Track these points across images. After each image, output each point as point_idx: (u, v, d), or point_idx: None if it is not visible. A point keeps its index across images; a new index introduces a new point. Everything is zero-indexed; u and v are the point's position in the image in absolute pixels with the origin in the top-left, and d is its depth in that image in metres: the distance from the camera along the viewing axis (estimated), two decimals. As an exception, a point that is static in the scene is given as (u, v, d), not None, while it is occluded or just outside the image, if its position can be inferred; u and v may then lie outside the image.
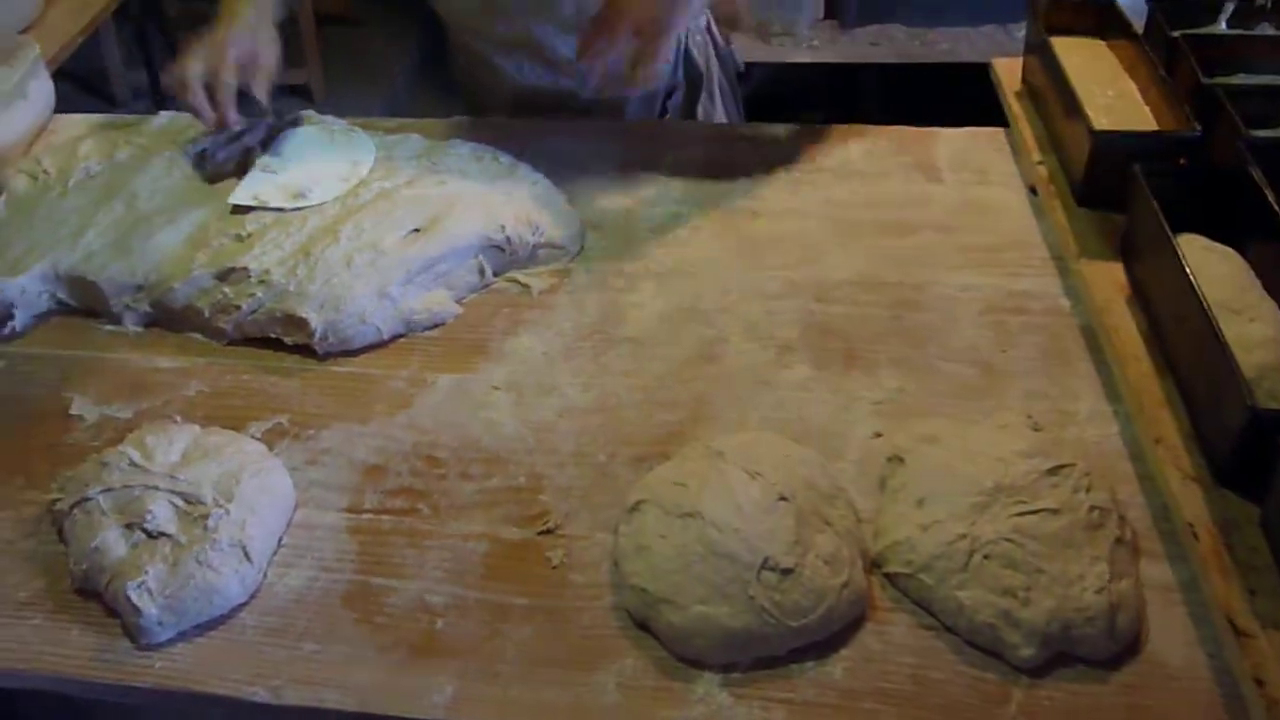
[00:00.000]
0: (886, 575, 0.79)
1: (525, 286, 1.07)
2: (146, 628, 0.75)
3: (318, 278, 1.00)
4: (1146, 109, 1.11)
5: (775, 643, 0.74)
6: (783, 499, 0.77)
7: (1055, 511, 0.77)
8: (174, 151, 1.16)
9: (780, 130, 1.32)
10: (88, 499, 0.80)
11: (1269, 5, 1.24)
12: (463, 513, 0.86)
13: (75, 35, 1.82)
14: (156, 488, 0.80)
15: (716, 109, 1.42)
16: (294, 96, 3.13)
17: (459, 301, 1.06)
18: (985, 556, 0.75)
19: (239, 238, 1.05)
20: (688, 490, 0.78)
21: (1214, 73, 1.12)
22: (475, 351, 1.00)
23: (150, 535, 0.78)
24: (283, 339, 1.00)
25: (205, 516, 0.79)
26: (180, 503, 0.80)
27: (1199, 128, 1.02)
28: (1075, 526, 0.76)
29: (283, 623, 0.78)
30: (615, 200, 1.18)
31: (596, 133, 1.27)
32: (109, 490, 0.80)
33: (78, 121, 1.31)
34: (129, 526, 0.78)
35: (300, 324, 0.99)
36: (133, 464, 0.82)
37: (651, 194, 1.18)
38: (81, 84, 3.12)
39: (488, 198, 1.09)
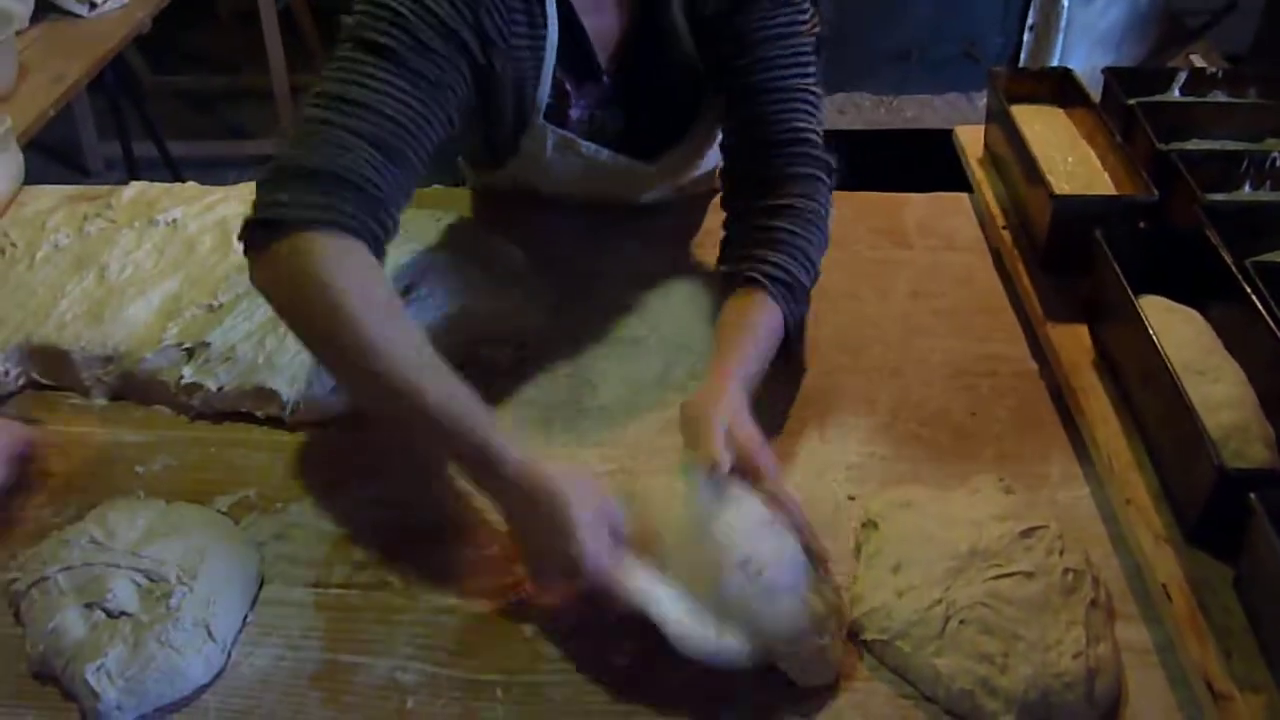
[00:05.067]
0: (863, 643, 0.78)
1: (497, 356, 1.07)
2: (105, 712, 0.73)
3: (289, 349, 0.99)
4: (1105, 175, 1.14)
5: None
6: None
7: (1030, 575, 0.77)
8: (144, 222, 1.16)
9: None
10: (46, 578, 0.78)
11: (1219, 74, 1.28)
12: (434, 586, 0.84)
13: (48, 108, 1.82)
14: (118, 565, 0.78)
15: None
16: (269, 166, 3.15)
17: (431, 370, 1.05)
18: (961, 622, 0.75)
19: (210, 308, 1.04)
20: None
21: (1169, 139, 1.16)
22: (447, 421, 1.00)
23: (110, 615, 0.76)
24: (253, 412, 0.99)
25: (168, 595, 0.77)
26: (142, 581, 0.78)
27: (1156, 192, 1.04)
28: (1050, 590, 0.76)
29: (247, 704, 0.76)
30: (587, 267, 1.18)
31: (566, 202, 1.29)
32: (68, 569, 0.78)
33: (47, 193, 1.31)
34: (89, 606, 0.76)
35: (271, 397, 0.98)
36: (93, 541, 0.80)
37: (622, 261, 1.19)
38: (54, 155, 3.13)
39: (458, 266, 1.09)
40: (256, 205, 0.84)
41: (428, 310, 1.05)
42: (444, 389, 0.78)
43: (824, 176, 1.03)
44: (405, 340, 0.80)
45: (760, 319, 0.95)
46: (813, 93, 1.04)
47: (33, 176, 1.36)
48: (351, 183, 0.83)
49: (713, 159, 1.21)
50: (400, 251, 1.10)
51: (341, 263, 0.80)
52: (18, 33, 1.91)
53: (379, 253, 0.85)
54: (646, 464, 0.94)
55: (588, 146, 1.11)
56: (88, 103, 2.99)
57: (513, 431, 0.81)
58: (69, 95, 1.92)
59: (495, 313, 1.08)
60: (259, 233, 0.82)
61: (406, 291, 1.05)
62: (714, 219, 1.24)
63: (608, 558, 0.76)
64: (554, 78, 1.04)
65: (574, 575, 0.75)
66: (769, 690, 0.76)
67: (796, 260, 0.98)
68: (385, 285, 0.84)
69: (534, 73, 1.03)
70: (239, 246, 0.85)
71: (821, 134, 1.05)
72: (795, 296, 0.97)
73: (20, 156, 1.35)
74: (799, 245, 0.99)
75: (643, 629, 0.77)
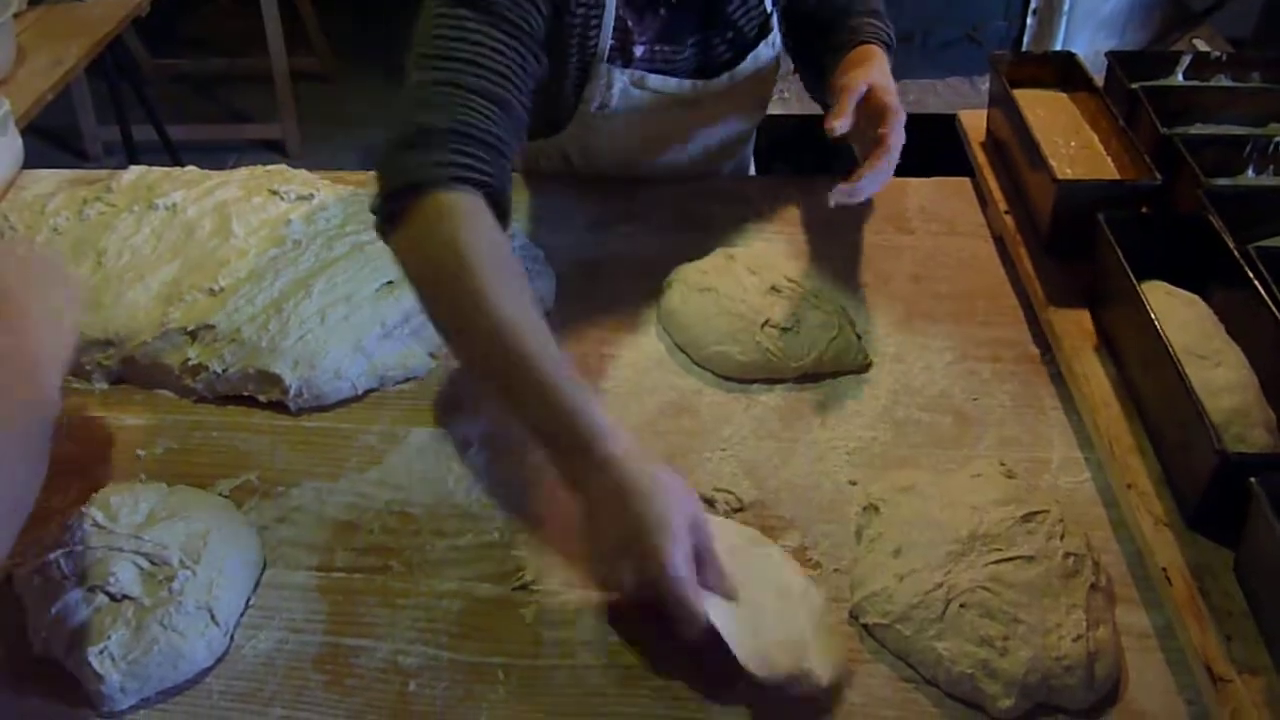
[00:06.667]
0: (865, 626, 0.79)
1: (499, 339, 1.07)
2: (108, 695, 0.73)
3: (291, 333, 0.99)
4: (1108, 159, 1.14)
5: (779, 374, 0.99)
6: (774, 289, 1.02)
7: (1030, 559, 0.77)
8: (143, 207, 1.15)
9: (752, 183, 1.34)
10: (49, 562, 0.78)
11: (1223, 58, 1.28)
12: (436, 570, 0.84)
13: (46, 92, 1.81)
14: (120, 549, 0.78)
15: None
16: (269, 151, 3.15)
17: (432, 355, 1.05)
18: (962, 605, 0.75)
19: (212, 292, 1.04)
20: (706, 275, 1.05)
21: (1172, 123, 1.15)
22: (449, 406, 1.00)
23: (113, 598, 0.76)
24: (256, 396, 0.99)
25: (171, 578, 0.77)
26: (145, 564, 0.78)
27: (1160, 177, 1.04)
28: (1051, 574, 0.76)
29: (250, 687, 0.76)
30: (589, 254, 1.18)
31: (571, 188, 1.28)
32: (71, 552, 0.78)
33: (47, 177, 1.31)
34: (91, 590, 0.76)
35: (274, 381, 0.98)
36: (96, 525, 0.80)
37: (625, 248, 1.19)
38: (53, 139, 3.12)
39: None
40: (386, 175, 0.86)
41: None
42: (552, 359, 0.77)
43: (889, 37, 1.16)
44: (521, 305, 0.79)
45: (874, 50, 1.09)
46: None
47: (31, 161, 1.35)
48: (476, 138, 0.86)
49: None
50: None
51: (472, 226, 0.82)
52: (15, 15, 1.91)
53: (506, 204, 0.89)
54: (651, 444, 0.94)
55: (656, 79, 1.14)
56: (86, 86, 2.98)
57: (614, 419, 0.77)
58: (67, 79, 1.91)
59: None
60: (394, 203, 0.84)
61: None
62: (712, 208, 1.25)
63: (689, 571, 0.72)
64: (616, 15, 1.07)
65: (649, 582, 0.71)
66: (770, 673, 0.76)
67: (885, 27, 1.14)
68: (509, 247, 0.86)
69: (596, 16, 1.06)
70: (373, 220, 0.87)
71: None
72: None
73: (19, 140, 1.35)
74: (882, 25, 1.14)
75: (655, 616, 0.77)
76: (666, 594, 0.71)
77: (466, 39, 0.89)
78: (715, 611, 0.73)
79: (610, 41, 1.09)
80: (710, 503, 0.88)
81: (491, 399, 0.88)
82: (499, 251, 0.82)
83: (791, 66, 1.29)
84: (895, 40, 1.16)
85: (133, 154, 2.70)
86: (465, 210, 0.83)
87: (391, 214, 0.85)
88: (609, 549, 0.75)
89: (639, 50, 1.13)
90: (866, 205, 1.25)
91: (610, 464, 0.74)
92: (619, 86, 1.13)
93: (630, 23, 1.11)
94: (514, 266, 0.84)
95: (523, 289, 0.82)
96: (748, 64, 1.19)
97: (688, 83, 1.16)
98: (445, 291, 0.82)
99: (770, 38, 1.21)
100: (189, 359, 1.00)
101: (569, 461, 0.77)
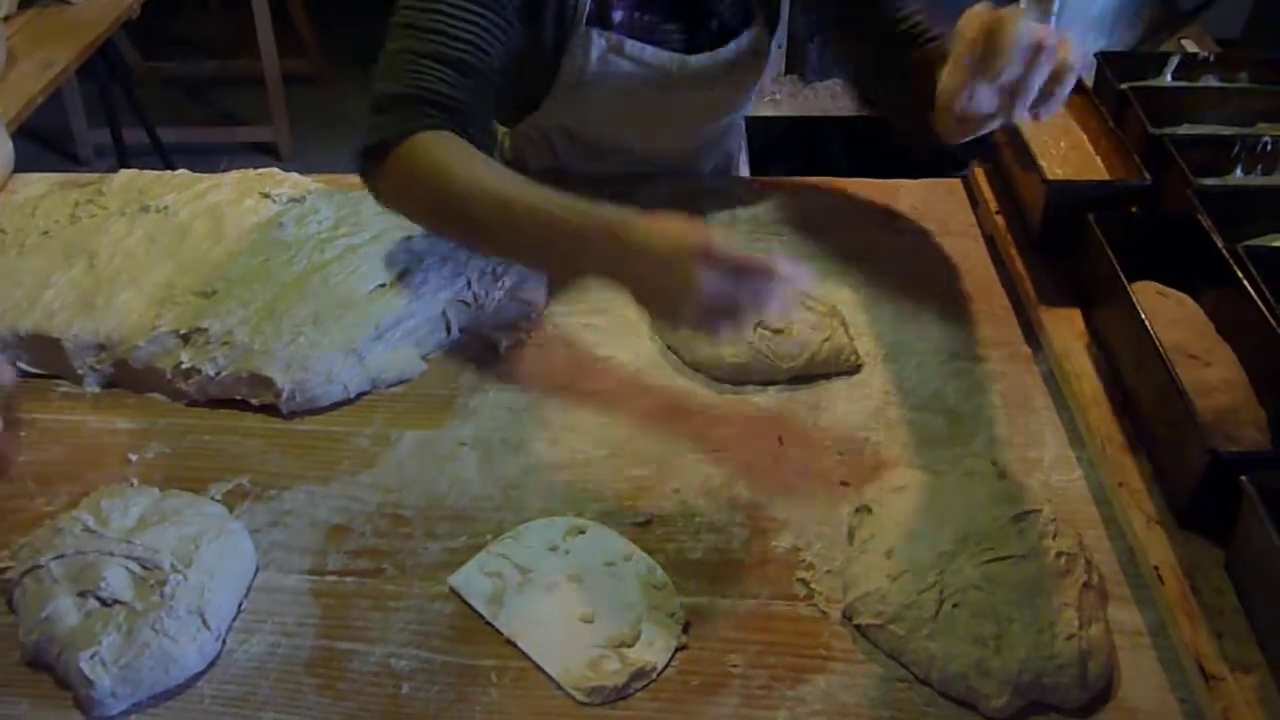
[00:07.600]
0: (858, 627, 0.79)
1: (492, 342, 1.07)
2: (99, 700, 0.73)
3: (283, 336, 0.99)
4: (1098, 159, 1.14)
5: (770, 376, 0.99)
6: None
7: (1023, 558, 0.77)
8: (135, 210, 1.15)
9: (744, 183, 1.34)
10: (39, 566, 0.78)
11: (1211, 58, 1.28)
12: (429, 573, 0.84)
13: (37, 94, 1.81)
14: (111, 553, 0.78)
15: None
16: (261, 154, 3.14)
17: (425, 357, 1.05)
18: (955, 605, 0.75)
19: (204, 295, 1.04)
20: None
21: (1161, 123, 1.16)
22: (442, 408, 1.00)
23: (104, 603, 0.76)
24: (249, 400, 0.99)
25: (162, 583, 0.77)
26: (136, 569, 0.78)
27: (1149, 177, 1.05)
28: (1043, 573, 0.76)
29: (242, 692, 0.76)
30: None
31: (565, 188, 1.28)
32: (61, 557, 0.78)
33: (37, 180, 1.30)
34: (82, 594, 0.76)
35: (266, 384, 0.98)
36: (87, 529, 0.80)
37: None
38: (44, 142, 3.12)
39: (455, 252, 1.09)
40: (361, 138, 0.94)
41: (425, 295, 1.04)
42: (555, 195, 0.85)
43: None
44: (509, 174, 0.88)
45: None
46: None
47: (22, 164, 1.35)
48: (433, 102, 0.93)
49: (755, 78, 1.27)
50: (395, 238, 1.10)
51: (441, 144, 0.90)
52: (6, 18, 1.90)
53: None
54: (644, 447, 0.94)
55: (633, 45, 1.14)
56: (77, 89, 2.97)
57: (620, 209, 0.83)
58: (58, 82, 1.91)
59: (492, 296, 1.07)
60: (368, 160, 0.94)
61: (402, 277, 1.05)
62: (705, 208, 1.25)
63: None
64: None
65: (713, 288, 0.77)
66: (764, 673, 0.76)
67: None
68: (481, 154, 0.91)
69: None
70: (360, 171, 0.96)
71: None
72: None
73: (10, 143, 1.34)
74: None
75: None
76: (732, 277, 0.77)
77: (433, 7, 0.94)
78: (527, 642, 0.78)
79: (589, 5, 1.10)
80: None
81: (516, 258, 1.00)
82: (473, 152, 0.90)
83: (783, 68, 1.29)
84: None
85: (124, 157, 2.69)
86: (427, 141, 0.90)
87: (368, 169, 0.94)
88: (670, 301, 0.80)
89: (617, 15, 1.14)
90: (857, 205, 1.25)
91: (642, 244, 0.80)
92: (596, 51, 1.13)
93: None
94: (484, 158, 0.90)
95: (506, 171, 0.89)
96: (730, 49, 1.19)
97: (666, 54, 1.16)
98: (439, 197, 0.89)
99: (755, 26, 1.20)
100: (181, 362, 0.99)
101: (607, 264, 0.83)
